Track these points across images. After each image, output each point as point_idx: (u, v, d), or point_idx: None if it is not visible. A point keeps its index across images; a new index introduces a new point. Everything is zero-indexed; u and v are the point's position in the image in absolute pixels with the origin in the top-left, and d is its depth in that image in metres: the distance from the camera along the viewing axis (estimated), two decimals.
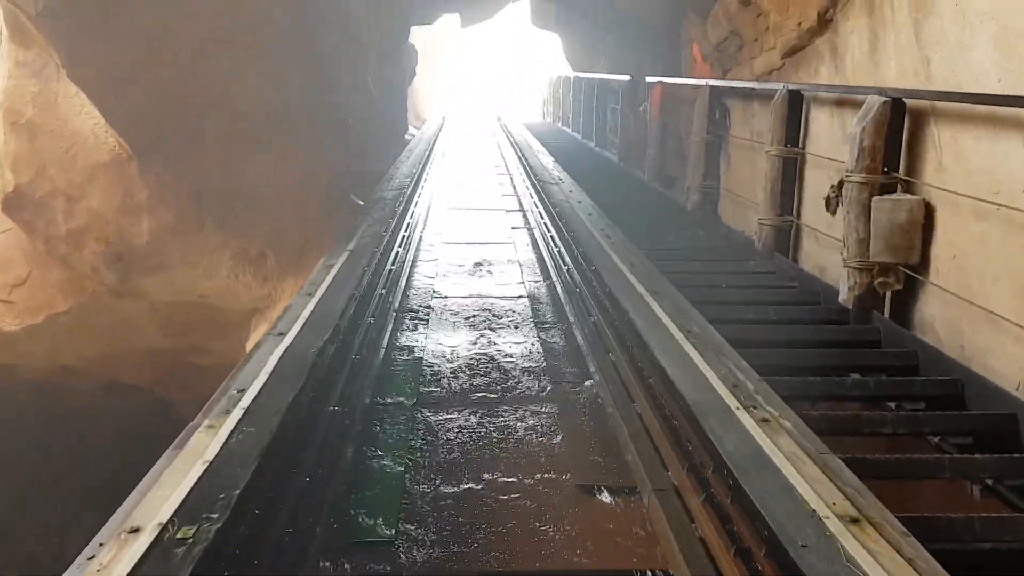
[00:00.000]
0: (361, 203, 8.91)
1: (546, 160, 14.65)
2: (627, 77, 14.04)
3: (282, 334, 4.19)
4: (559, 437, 3.82)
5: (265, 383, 3.46)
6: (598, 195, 9.77)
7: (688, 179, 9.83)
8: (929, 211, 4.92)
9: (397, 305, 6.07)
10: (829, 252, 6.64)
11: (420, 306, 6.14)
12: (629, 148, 14.01)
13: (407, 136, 18.49)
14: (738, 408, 3.28)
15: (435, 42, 30.57)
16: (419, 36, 26.93)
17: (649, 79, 12.39)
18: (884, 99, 5.15)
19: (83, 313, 8.69)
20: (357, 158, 10.18)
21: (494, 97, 37.50)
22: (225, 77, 6.69)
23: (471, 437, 3.80)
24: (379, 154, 13.13)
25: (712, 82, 9.25)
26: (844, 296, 5.49)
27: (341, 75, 9.32)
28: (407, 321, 5.77)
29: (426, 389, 4.45)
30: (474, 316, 5.91)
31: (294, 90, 7.21)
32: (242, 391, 3.36)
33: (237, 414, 3.10)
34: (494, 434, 3.83)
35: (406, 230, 8.32)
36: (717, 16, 8.86)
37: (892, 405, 4.64)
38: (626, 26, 14.62)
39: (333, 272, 5.84)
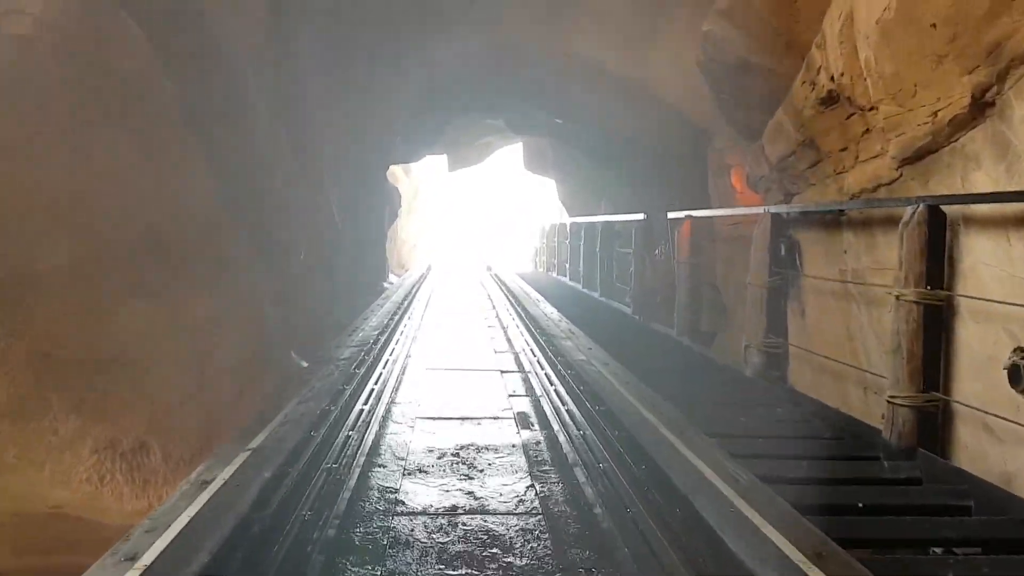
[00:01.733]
0: (305, 364, 6.37)
1: (548, 309, 12.35)
2: (640, 216, 12.03)
3: None
4: None
5: None
6: (622, 355, 7.36)
7: (745, 335, 7.43)
8: None
9: (326, 538, 3.41)
10: (1017, 448, 4.18)
11: (368, 541, 3.48)
12: (646, 298, 11.76)
13: (386, 284, 16.29)
14: None
15: (422, 188, 29.28)
16: (405, 181, 25.56)
17: (673, 215, 10.32)
18: None
19: None
20: (309, 303, 7.81)
21: (483, 245, 36.01)
22: (73, 179, 4.37)
23: None
24: (350, 299, 10.81)
25: (776, 209, 7.07)
26: None
27: (289, 197, 7.14)
28: None
29: None
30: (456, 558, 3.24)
31: (199, 204, 4.93)
32: None
33: None
34: None
35: (365, 402, 5.76)
36: (780, 126, 6.81)
37: None
38: (632, 160, 12.80)
39: (204, 497, 3.24)
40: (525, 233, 32.12)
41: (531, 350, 8.39)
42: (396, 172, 23.19)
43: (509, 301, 14.33)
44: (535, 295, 14.59)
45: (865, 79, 5.34)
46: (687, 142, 10.88)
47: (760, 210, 7.38)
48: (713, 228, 9.63)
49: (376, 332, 8.38)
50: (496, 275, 20.86)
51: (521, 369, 7.69)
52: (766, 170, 7.38)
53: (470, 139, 17.51)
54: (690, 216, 9.39)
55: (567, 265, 20.45)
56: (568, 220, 20.69)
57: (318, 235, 8.77)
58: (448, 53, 10.81)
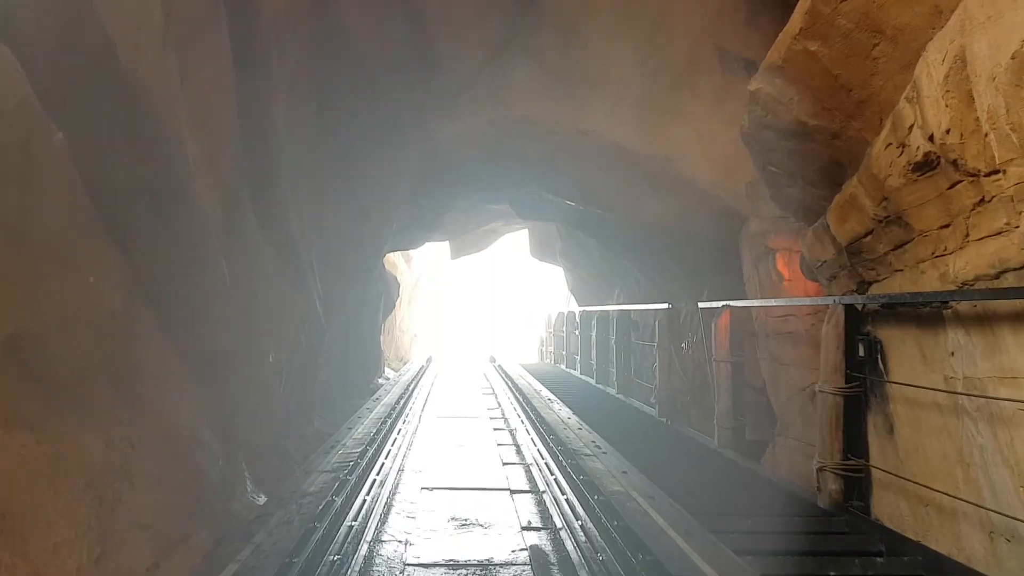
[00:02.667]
0: (263, 500, 4.97)
1: (562, 411, 10.95)
2: (663, 306, 10.76)
3: None
4: None
5: None
6: (660, 475, 5.98)
7: (817, 455, 6.03)
8: None
9: None
10: None
11: None
12: (674, 398, 10.36)
13: (381, 380, 14.88)
14: None
15: (423, 276, 28.21)
16: (405, 269, 24.47)
17: (705, 305, 9.04)
18: None
19: None
20: (280, 415, 6.45)
21: (487, 334, 34.67)
22: None
23: None
24: (336, 403, 9.43)
25: (851, 300, 5.79)
26: None
27: (255, 291, 5.89)
28: None
29: None
30: None
31: (102, 305, 3.67)
32: None
33: None
34: None
35: (337, 556, 4.32)
36: (853, 200, 5.61)
37: None
38: (651, 245, 11.62)
39: None
40: (530, 322, 30.86)
41: (546, 465, 6.97)
42: (395, 260, 22.12)
43: (517, 400, 12.90)
44: (546, 393, 13.17)
45: (986, 135, 4.14)
46: (715, 225, 9.72)
47: (827, 301, 6.10)
48: (755, 321, 8.34)
49: (360, 448, 6.98)
50: (501, 368, 19.46)
51: (532, 486, 6.25)
52: (831, 253, 6.14)
53: (473, 225, 16.49)
54: (729, 307, 8.11)
55: (577, 357, 19.09)
56: (578, 309, 19.46)
57: (294, 334, 7.50)
58: (449, 132, 9.82)
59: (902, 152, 4.98)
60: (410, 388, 13.76)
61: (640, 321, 13.41)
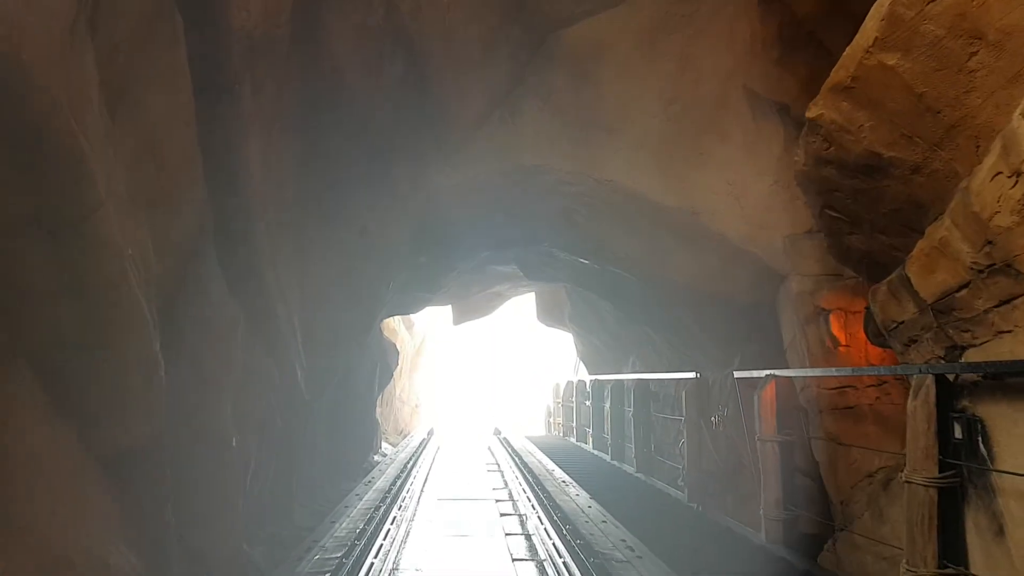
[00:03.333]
0: None
1: (580, 498, 9.75)
2: (689, 375, 9.65)
3: None
4: None
5: None
6: None
7: (905, 560, 4.85)
8: None
9: None
10: None
11: None
12: (704, 481, 9.15)
13: (377, 457, 13.64)
14: None
15: (426, 343, 27.12)
16: (405, 335, 23.39)
17: (741, 375, 7.93)
18: None
19: None
20: (249, 510, 5.32)
21: (491, 403, 33.29)
22: None
23: None
24: (322, 489, 8.26)
25: (945, 369, 4.71)
26: None
27: (213, 371, 4.83)
28: None
29: None
30: None
31: None
32: None
33: None
34: None
35: None
36: (944, 246, 4.59)
37: None
38: (674, 308, 10.57)
39: None
40: (536, 391, 29.58)
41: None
42: (395, 326, 21.08)
43: (526, 479, 11.66)
44: (559, 473, 11.92)
45: None
46: (747, 285, 8.69)
47: (911, 370, 5.00)
48: (803, 394, 7.21)
49: (339, 556, 5.78)
50: (506, 441, 18.19)
51: None
52: (911, 312, 5.07)
53: (477, 288, 15.49)
54: (774, 377, 7.00)
55: (589, 430, 17.83)
56: (588, 378, 18.28)
57: (267, 413, 6.40)
58: (452, 181, 8.92)
59: (1016, 182, 3.98)
60: (408, 467, 12.52)
61: (660, 392, 12.26)
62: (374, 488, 9.60)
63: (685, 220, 8.71)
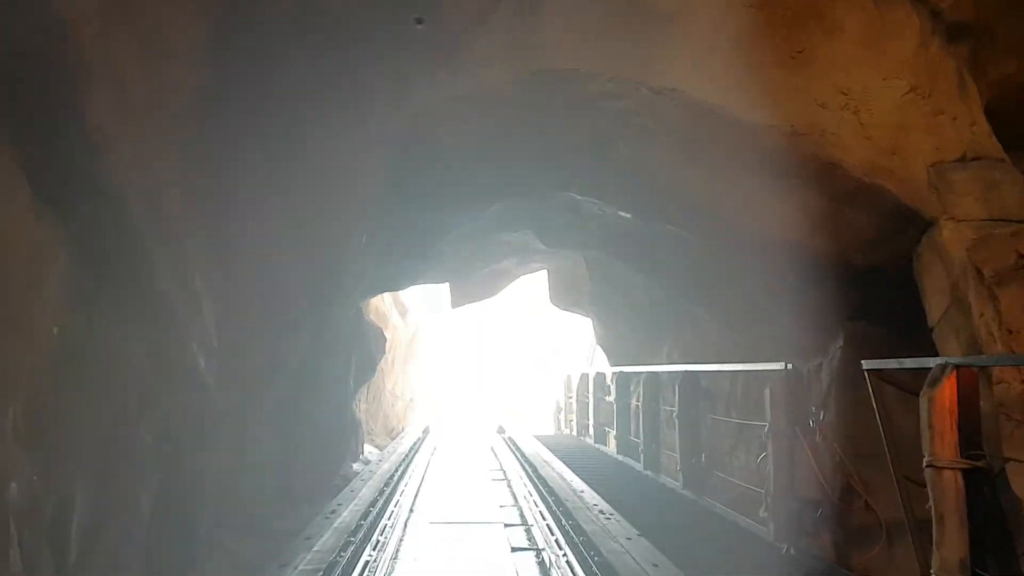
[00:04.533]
0: None
1: (615, 527, 7.22)
2: (777, 366, 7.08)
3: None
4: None
5: None
6: None
7: None
8: None
9: None
10: None
11: None
12: (800, 512, 6.59)
13: (356, 466, 11.08)
14: None
15: (421, 330, 24.56)
16: (398, 321, 20.85)
17: (875, 365, 5.30)
18: None
19: None
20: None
21: (494, 399, 30.67)
22: None
23: None
24: (249, 533, 5.71)
25: None
26: None
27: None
28: None
29: None
30: None
31: None
32: None
33: None
34: None
35: None
36: None
37: None
38: (743, 276, 8.02)
39: None
40: (545, 384, 26.99)
41: None
42: (384, 310, 18.54)
43: (541, 496, 9.14)
44: (580, 485, 9.33)
45: None
46: (867, 237, 6.13)
47: None
48: (992, 399, 4.65)
49: None
50: (513, 442, 15.62)
51: None
52: None
53: (480, 263, 12.89)
54: (955, 368, 4.40)
55: (610, 431, 15.27)
56: (610, 369, 15.72)
57: (132, 428, 3.89)
58: (446, 93, 6.30)
59: None
60: (394, 479, 9.97)
61: (714, 389, 9.71)
62: (342, 516, 7.05)
63: (779, 144, 6.09)
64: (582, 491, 8.64)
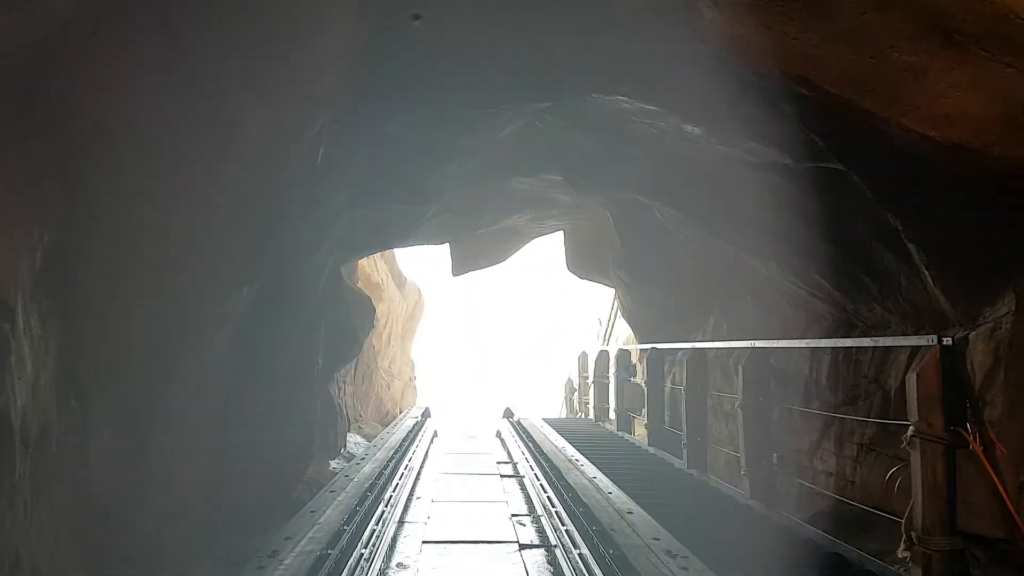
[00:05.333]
0: None
1: (679, 564, 5.04)
2: (926, 340, 4.86)
3: None
4: None
5: None
6: None
7: None
8: None
9: None
10: None
11: None
12: (964, 554, 4.41)
13: (335, 464, 8.94)
14: None
15: (422, 302, 22.39)
16: (394, 292, 18.69)
17: None
18: None
19: None
20: None
21: (500, 378, 28.55)
22: None
23: None
24: None
25: None
26: None
27: None
28: None
29: None
30: None
31: None
32: None
33: None
34: None
35: None
36: None
37: None
38: (871, 215, 5.84)
39: None
40: (556, 362, 24.86)
41: None
42: (379, 278, 16.39)
43: (566, 506, 6.98)
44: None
45: None
46: None
47: None
48: None
49: None
50: (524, 430, 13.41)
51: None
52: None
53: (489, 216, 10.65)
54: None
55: (636, 418, 13.17)
56: (636, 346, 13.57)
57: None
58: None
59: None
60: (380, 482, 7.84)
61: (789, 369, 7.54)
62: (306, 543, 4.90)
63: None
64: (630, 511, 6.44)
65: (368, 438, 11.97)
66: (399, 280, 19.85)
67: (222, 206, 4.15)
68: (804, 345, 7.07)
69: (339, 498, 6.00)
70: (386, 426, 13.85)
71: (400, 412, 18.02)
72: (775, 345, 7.20)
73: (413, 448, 11.16)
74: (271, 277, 5.57)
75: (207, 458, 5.25)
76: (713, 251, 8.87)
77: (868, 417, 6.63)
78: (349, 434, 11.44)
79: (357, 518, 5.98)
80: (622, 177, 7.43)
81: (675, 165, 6.42)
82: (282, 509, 5.96)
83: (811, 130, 4.85)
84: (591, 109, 6.04)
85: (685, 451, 9.48)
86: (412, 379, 22.56)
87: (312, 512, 5.50)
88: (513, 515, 7.66)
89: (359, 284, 13.14)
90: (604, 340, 20.69)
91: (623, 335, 17.97)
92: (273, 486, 5.94)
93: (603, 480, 8.04)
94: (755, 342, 7.54)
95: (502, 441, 13.40)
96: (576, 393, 19.85)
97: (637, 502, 6.66)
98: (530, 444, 11.62)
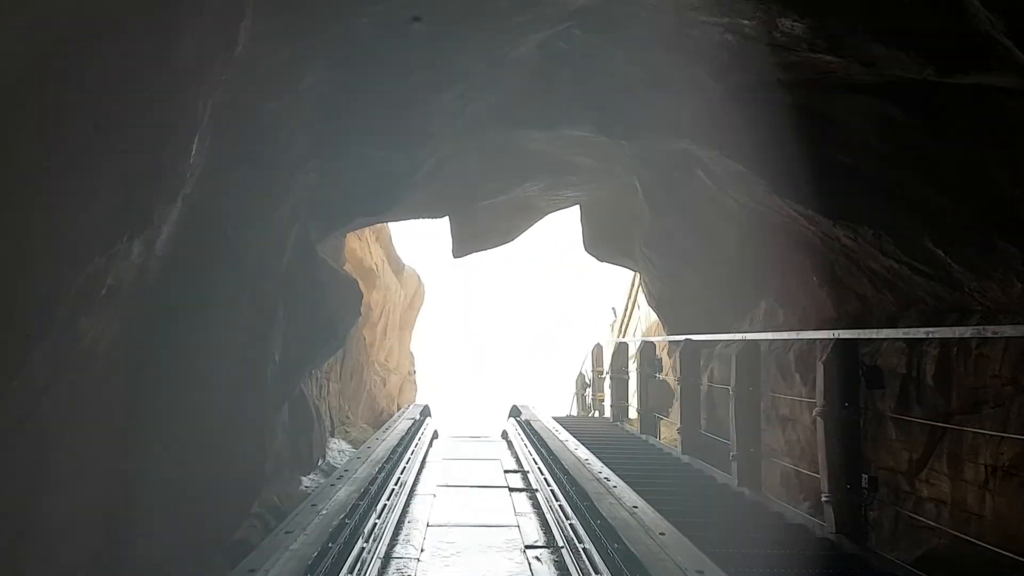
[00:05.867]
0: None
1: None
2: None
3: None
4: None
5: None
6: None
7: None
8: None
9: None
10: None
11: None
12: None
13: (307, 481, 7.29)
14: None
15: (422, 290, 20.76)
16: (391, 279, 17.06)
17: None
18: None
19: None
20: None
21: (506, 371, 26.90)
22: None
23: None
24: None
25: None
26: None
27: None
28: None
29: None
30: None
31: None
32: None
33: None
34: None
35: None
36: None
37: None
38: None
39: None
40: (565, 355, 23.20)
41: None
42: (372, 264, 14.75)
43: (592, 538, 5.32)
44: (672, 536, 5.36)
45: None
46: None
47: None
48: None
49: None
50: (535, 432, 11.72)
51: None
52: None
53: (494, 184, 8.94)
54: None
55: (661, 419, 11.53)
56: (662, 338, 11.91)
57: None
58: None
59: None
60: (365, 499, 6.21)
61: (880, 366, 5.86)
62: None
63: None
64: (700, 571, 4.66)
65: (356, 444, 10.32)
66: (396, 266, 18.22)
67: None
68: (852, 336, 5.39)
69: (295, 544, 4.35)
70: (378, 428, 12.19)
71: (402, 406, 16.42)
72: (879, 336, 5.51)
73: (408, 455, 9.51)
74: (194, 236, 3.91)
75: (93, 494, 3.60)
76: (771, 219, 7.19)
77: (1004, 431, 4.99)
78: (333, 440, 9.80)
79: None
80: (672, 118, 5.71)
81: (752, 93, 4.73)
82: (214, 560, 4.31)
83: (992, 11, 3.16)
84: (639, 10, 4.33)
85: (735, 465, 7.81)
86: (411, 373, 20.94)
87: (250, 572, 3.85)
88: (527, 547, 6.17)
89: (347, 268, 11.51)
90: (620, 331, 19.05)
91: (643, 326, 16.33)
92: (199, 528, 4.29)
93: (646, 511, 6.22)
94: (839, 332, 5.85)
95: (509, 443, 11.95)
96: (589, 389, 18.18)
97: (700, 548, 4.95)
98: (543, 451, 9.97)
